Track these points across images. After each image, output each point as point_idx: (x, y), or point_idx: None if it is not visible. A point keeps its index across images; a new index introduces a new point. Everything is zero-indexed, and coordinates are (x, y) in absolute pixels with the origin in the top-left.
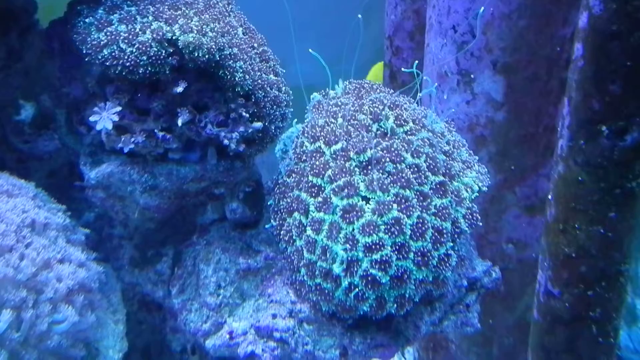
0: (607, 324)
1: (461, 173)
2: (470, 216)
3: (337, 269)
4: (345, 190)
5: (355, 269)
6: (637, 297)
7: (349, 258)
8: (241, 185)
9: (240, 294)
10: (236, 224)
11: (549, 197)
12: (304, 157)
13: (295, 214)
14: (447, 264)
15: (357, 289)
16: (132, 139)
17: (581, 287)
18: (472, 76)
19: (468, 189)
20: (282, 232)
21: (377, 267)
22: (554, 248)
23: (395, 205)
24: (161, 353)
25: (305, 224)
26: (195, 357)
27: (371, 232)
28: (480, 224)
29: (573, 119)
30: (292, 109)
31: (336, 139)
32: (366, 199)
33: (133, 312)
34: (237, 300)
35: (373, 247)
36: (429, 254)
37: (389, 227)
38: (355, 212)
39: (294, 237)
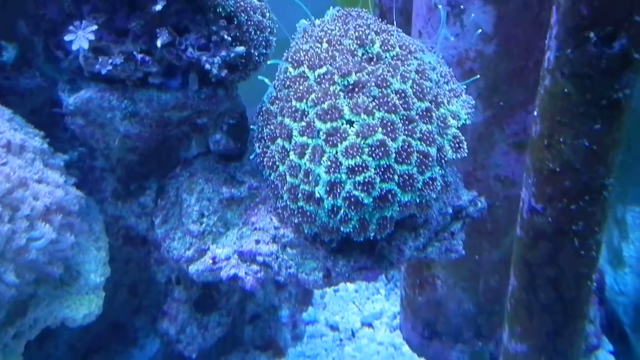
0: (589, 238)
1: (448, 101)
2: (456, 143)
3: (319, 191)
4: (329, 114)
5: (338, 190)
6: (623, 241)
7: (332, 180)
8: (225, 117)
9: (223, 223)
10: (220, 156)
11: (535, 113)
12: (288, 83)
13: (279, 140)
14: (432, 189)
15: (340, 211)
16: (110, 61)
17: (564, 202)
18: (461, 7)
19: (455, 117)
20: (265, 159)
21: (360, 188)
22: (538, 164)
23: (380, 129)
24: (148, 290)
25: (288, 150)
26: (180, 287)
27: (355, 154)
28: (466, 152)
29: (561, 28)
30: (275, 37)
31: (320, 63)
32: (350, 123)
33: (118, 247)
34: (220, 229)
35: (356, 169)
36: (413, 178)
37: (373, 149)
38: (338, 135)
39: (277, 163)
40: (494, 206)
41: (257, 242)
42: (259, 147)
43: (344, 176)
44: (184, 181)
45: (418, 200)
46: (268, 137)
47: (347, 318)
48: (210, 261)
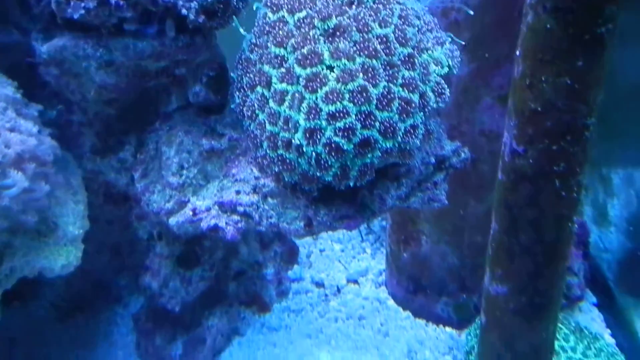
0: (570, 179)
1: (431, 48)
2: (439, 90)
3: (299, 138)
4: (309, 59)
5: (318, 137)
6: (608, 198)
7: (312, 127)
8: (204, 68)
9: (204, 175)
10: (200, 109)
11: (517, 53)
12: (267, 29)
13: (258, 88)
14: (414, 136)
15: (320, 157)
16: (83, 4)
17: (546, 142)
18: None
19: (438, 64)
20: (244, 109)
21: (340, 135)
22: (520, 105)
23: (361, 74)
24: (132, 250)
25: (267, 97)
26: (162, 242)
27: (335, 100)
28: (448, 98)
29: None
30: None
31: (300, 7)
32: (330, 68)
33: (99, 206)
34: (201, 182)
35: (337, 115)
36: (395, 125)
37: (354, 95)
38: (319, 81)
39: (256, 112)
40: (479, 160)
41: (238, 192)
42: (238, 96)
43: (324, 122)
44: (164, 134)
45: (400, 148)
46: (247, 85)
47: (332, 275)
48: (191, 213)
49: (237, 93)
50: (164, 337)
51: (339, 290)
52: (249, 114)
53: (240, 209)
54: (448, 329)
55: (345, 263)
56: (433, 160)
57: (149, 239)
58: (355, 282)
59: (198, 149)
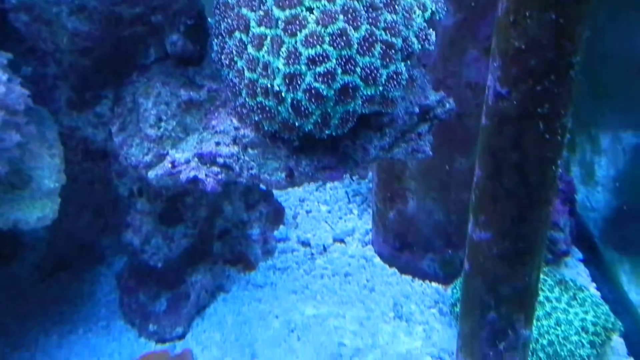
0: (554, 120)
1: None
2: (423, 35)
3: (278, 84)
4: (288, 0)
5: (298, 83)
6: (596, 156)
7: (291, 72)
8: (181, 16)
9: (183, 128)
10: (178, 60)
11: None
12: None
13: (236, 33)
14: (397, 83)
15: (300, 104)
16: None
17: (530, 83)
18: None
19: (421, 7)
20: (223, 57)
21: (320, 80)
22: (504, 44)
23: (341, 16)
24: (115, 211)
25: (246, 43)
26: (143, 198)
27: (315, 43)
28: (433, 45)
29: None
30: None
31: None
32: (310, 10)
33: (78, 163)
34: (180, 134)
35: (317, 59)
36: (377, 71)
37: (334, 38)
38: (298, 23)
39: (235, 59)
40: (465, 115)
41: (218, 144)
42: (216, 44)
43: (303, 67)
44: (141, 86)
45: (382, 95)
46: (225, 31)
47: (319, 235)
48: (170, 165)
49: (215, 40)
50: (147, 294)
51: (325, 249)
52: (227, 61)
53: (220, 160)
54: (434, 284)
55: (331, 223)
56: (417, 110)
57: (130, 196)
58: (342, 241)
59: (176, 100)
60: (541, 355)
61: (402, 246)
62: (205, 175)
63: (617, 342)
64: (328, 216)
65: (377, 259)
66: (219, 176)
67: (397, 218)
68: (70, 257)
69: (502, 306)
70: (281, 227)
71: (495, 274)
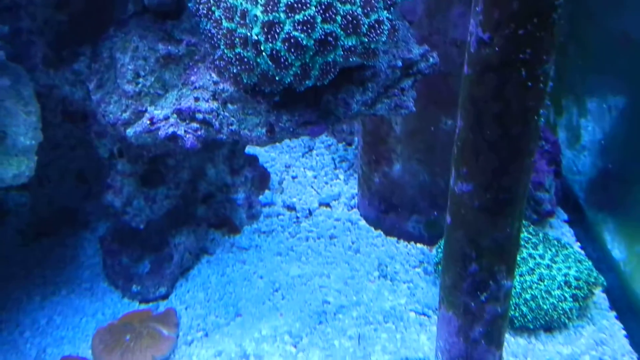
0: (536, 67)
1: None
2: None
3: (256, 33)
4: None
5: (277, 31)
6: (582, 118)
7: (270, 20)
8: None
9: (162, 84)
10: (156, 13)
11: None
12: None
13: None
14: (378, 33)
15: (279, 55)
16: None
17: (512, 27)
18: None
19: None
20: (200, 6)
21: (300, 29)
22: None
23: None
24: (98, 176)
25: None
26: (123, 159)
27: None
28: None
29: None
30: None
31: None
32: None
33: (58, 125)
34: (159, 91)
35: (296, 6)
36: (358, 19)
37: None
38: None
39: (212, 8)
40: (450, 74)
41: (197, 99)
42: None
43: (282, 15)
44: (118, 41)
45: (364, 46)
46: None
47: (304, 200)
48: (148, 122)
49: None
50: (130, 256)
51: (310, 213)
52: (205, 11)
53: (200, 116)
54: (419, 245)
55: (317, 188)
56: (400, 63)
57: (110, 157)
58: (327, 205)
59: (154, 55)
60: (524, 309)
61: (387, 208)
62: (185, 131)
63: (600, 297)
64: (314, 181)
65: (363, 222)
66: (198, 132)
67: (382, 180)
68: (54, 223)
69: (483, 258)
70: (266, 192)
71: (477, 226)
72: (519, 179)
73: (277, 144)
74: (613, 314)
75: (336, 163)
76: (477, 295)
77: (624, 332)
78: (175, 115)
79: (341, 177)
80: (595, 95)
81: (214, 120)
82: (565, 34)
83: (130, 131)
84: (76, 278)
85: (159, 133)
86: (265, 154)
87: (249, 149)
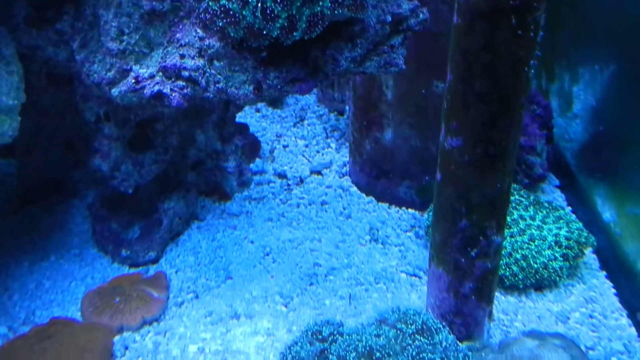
0: (527, 15)
1: None
2: None
3: None
4: None
5: None
6: (574, 84)
7: None
8: None
9: (147, 42)
10: None
11: None
12: None
13: None
14: None
15: (265, 6)
16: None
17: None
18: None
19: None
20: None
21: None
22: None
23: None
24: (86, 145)
25: None
26: (110, 123)
27: None
28: None
29: None
30: None
31: None
32: None
33: (43, 89)
34: (144, 49)
35: None
36: None
37: None
38: None
39: None
40: (442, 34)
41: (182, 56)
42: None
43: None
44: None
45: None
46: None
47: (296, 168)
48: (133, 80)
49: None
50: (120, 222)
51: (302, 180)
52: None
53: (185, 73)
54: (411, 210)
55: (309, 157)
56: (389, 18)
57: (97, 121)
58: (319, 172)
59: (138, 11)
60: (514, 268)
61: (378, 174)
62: (170, 90)
63: (590, 258)
64: (305, 150)
65: (354, 189)
66: (185, 90)
67: (374, 146)
68: (42, 191)
69: (473, 213)
70: (257, 160)
71: (467, 182)
72: (508, 133)
73: (267, 113)
74: (603, 273)
75: (328, 132)
76: (467, 251)
77: (613, 290)
78: (160, 74)
79: (333, 145)
80: (588, 62)
81: (200, 78)
82: (558, 0)
83: (115, 91)
84: (65, 244)
85: (144, 92)
86: (256, 123)
87: (240, 118)
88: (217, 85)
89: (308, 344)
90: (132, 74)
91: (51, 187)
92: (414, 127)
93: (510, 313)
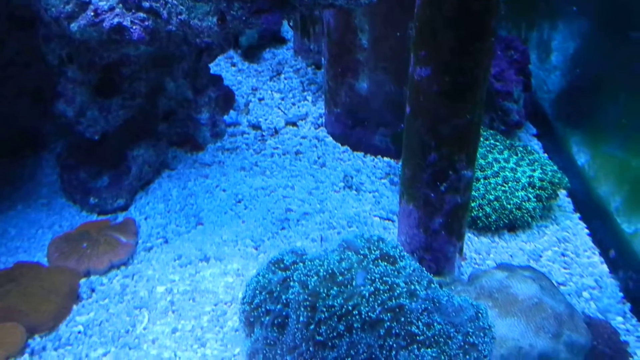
0: None
1: None
2: None
3: None
4: None
5: None
6: (553, 32)
7: None
8: None
9: None
10: None
11: None
12: None
13: None
14: None
15: None
16: None
17: None
18: None
19: None
20: None
21: None
22: None
23: None
24: (53, 96)
25: None
26: (74, 66)
27: None
28: None
29: None
30: None
31: None
32: None
33: (6, 32)
34: None
35: None
36: None
37: None
38: None
39: None
40: None
41: None
42: None
43: None
44: None
45: None
46: None
47: (270, 120)
48: (92, 13)
49: None
50: (89, 171)
51: (276, 131)
52: None
53: (146, 4)
54: (386, 159)
55: (284, 109)
56: None
57: (60, 64)
58: (294, 124)
59: None
60: (487, 209)
61: (353, 123)
62: (131, 22)
63: (565, 201)
64: (281, 103)
65: (330, 139)
66: (146, 23)
67: (349, 93)
68: (11, 143)
69: (442, 146)
70: (232, 112)
71: (436, 113)
72: (479, 61)
73: (243, 67)
74: (577, 215)
75: (305, 86)
76: (436, 185)
77: (587, 231)
78: (120, 5)
79: (309, 98)
80: (566, 10)
81: (161, 9)
82: None
83: (74, 25)
84: (33, 194)
85: (104, 24)
86: (231, 77)
87: (215, 72)
88: (179, 17)
89: (271, 273)
90: (91, 6)
91: (20, 139)
92: (388, 71)
93: (482, 252)
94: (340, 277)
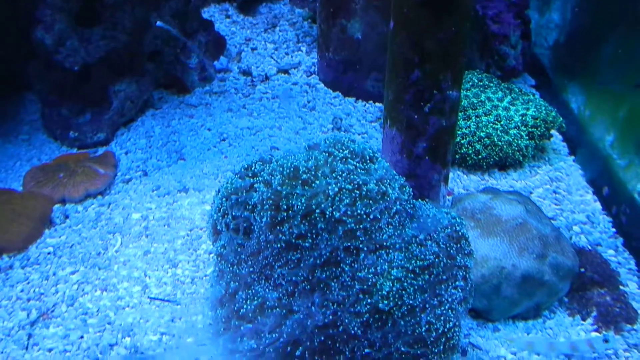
0: None
1: None
2: None
3: None
4: None
5: None
6: (549, 12)
7: None
8: None
9: None
10: None
11: None
12: None
13: None
14: None
15: None
16: None
17: None
18: None
19: None
20: None
21: None
22: None
23: None
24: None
25: None
26: None
27: None
28: None
29: None
30: None
31: None
32: None
33: None
34: None
35: None
36: None
37: None
38: None
39: None
40: None
41: None
42: None
43: None
44: None
45: None
46: None
47: (262, 67)
48: None
49: None
50: (71, 108)
51: (267, 77)
52: None
53: None
54: (378, 104)
55: (277, 59)
56: None
57: None
58: (286, 71)
59: None
60: (478, 146)
61: (345, 68)
62: None
63: (560, 145)
64: (274, 52)
65: (321, 85)
66: None
67: (340, 36)
68: None
69: (427, 63)
70: (222, 58)
71: (420, 26)
72: None
73: (238, 19)
74: (572, 158)
75: (300, 37)
76: (420, 106)
77: (580, 172)
78: None
79: (303, 49)
80: None
81: None
82: None
83: None
84: (14, 131)
85: None
86: (225, 28)
87: (205, 14)
88: None
89: (239, 179)
90: None
91: (4, 79)
92: (380, 10)
93: (471, 189)
94: (305, 175)
